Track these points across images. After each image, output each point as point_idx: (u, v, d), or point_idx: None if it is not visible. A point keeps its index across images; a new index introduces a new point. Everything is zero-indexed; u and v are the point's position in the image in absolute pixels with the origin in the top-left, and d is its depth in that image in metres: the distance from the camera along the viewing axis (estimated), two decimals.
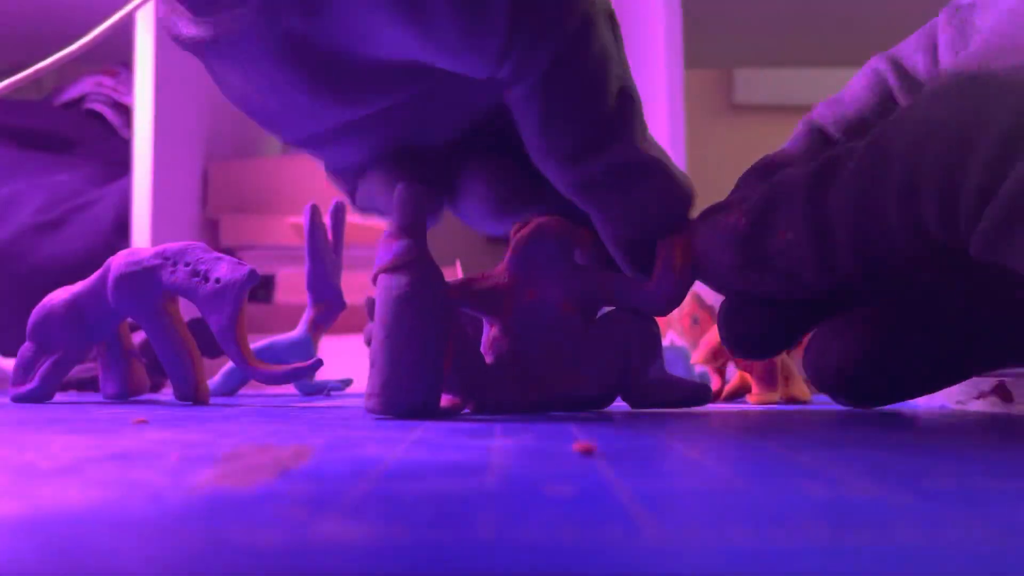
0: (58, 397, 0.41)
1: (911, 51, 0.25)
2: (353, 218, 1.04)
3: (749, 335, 0.25)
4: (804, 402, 0.37)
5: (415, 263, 0.23)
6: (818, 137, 0.27)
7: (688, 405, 0.27)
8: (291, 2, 0.21)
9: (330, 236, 0.46)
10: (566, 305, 0.25)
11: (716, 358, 0.38)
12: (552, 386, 0.25)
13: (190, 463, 0.13)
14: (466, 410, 0.26)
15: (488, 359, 0.25)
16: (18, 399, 0.36)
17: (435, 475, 0.12)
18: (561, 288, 0.25)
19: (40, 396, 0.36)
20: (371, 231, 1.03)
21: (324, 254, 0.45)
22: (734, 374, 0.41)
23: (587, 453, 0.14)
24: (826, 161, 0.21)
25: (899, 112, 0.20)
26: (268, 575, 0.07)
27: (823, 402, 0.37)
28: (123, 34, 0.78)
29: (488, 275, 0.26)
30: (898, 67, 0.26)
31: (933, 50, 0.25)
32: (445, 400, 0.25)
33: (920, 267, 0.21)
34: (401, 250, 0.23)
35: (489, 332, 0.26)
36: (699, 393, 0.27)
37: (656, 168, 0.24)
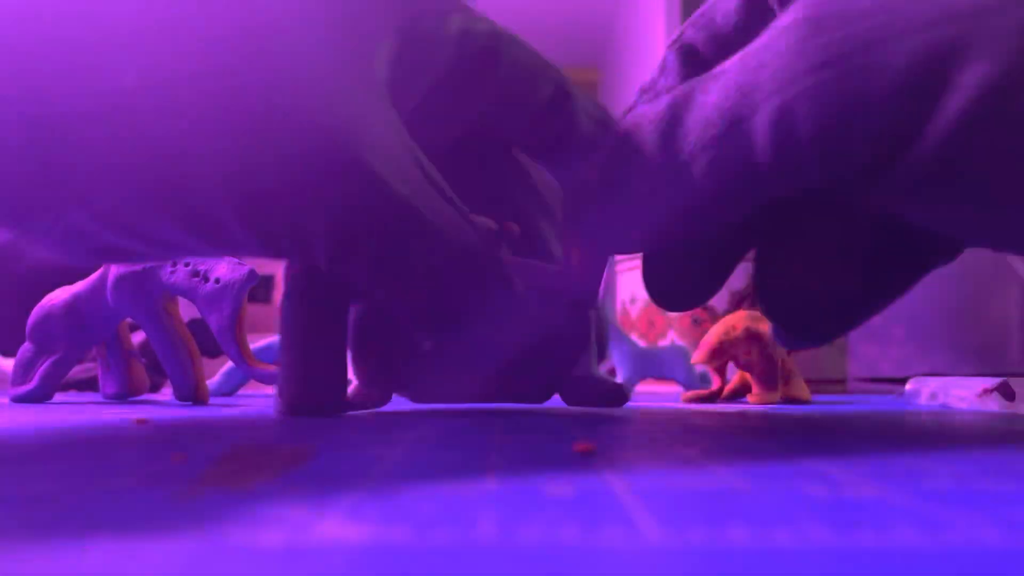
0: (57, 397, 0.41)
1: None
2: None
3: (675, 290, 0.23)
4: (804, 402, 0.37)
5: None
6: (689, 60, 0.24)
7: (604, 405, 0.26)
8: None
9: None
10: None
11: (716, 358, 0.38)
12: (489, 379, 0.25)
13: (190, 463, 0.13)
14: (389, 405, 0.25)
15: (426, 350, 0.25)
16: (18, 399, 0.36)
17: (435, 475, 0.12)
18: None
19: (40, 396, 0.36)
20: None
21: None
22: (734, 374, 0.41)
23: (587, 453, 0.14)
24: (680, 95, 0.19)
25: (765, 42, 0.17)
26: (268, 575, 0.07)
27: (823, 402, 0.37)
28: None
29: None
30: None
31: None
32: (370, 394, 0.25)
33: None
34: None
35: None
36: (616, 394, 0.26)
37: None
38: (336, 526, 0.08)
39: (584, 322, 0.25)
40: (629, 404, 0.33)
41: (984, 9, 0.15)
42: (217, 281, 0.33)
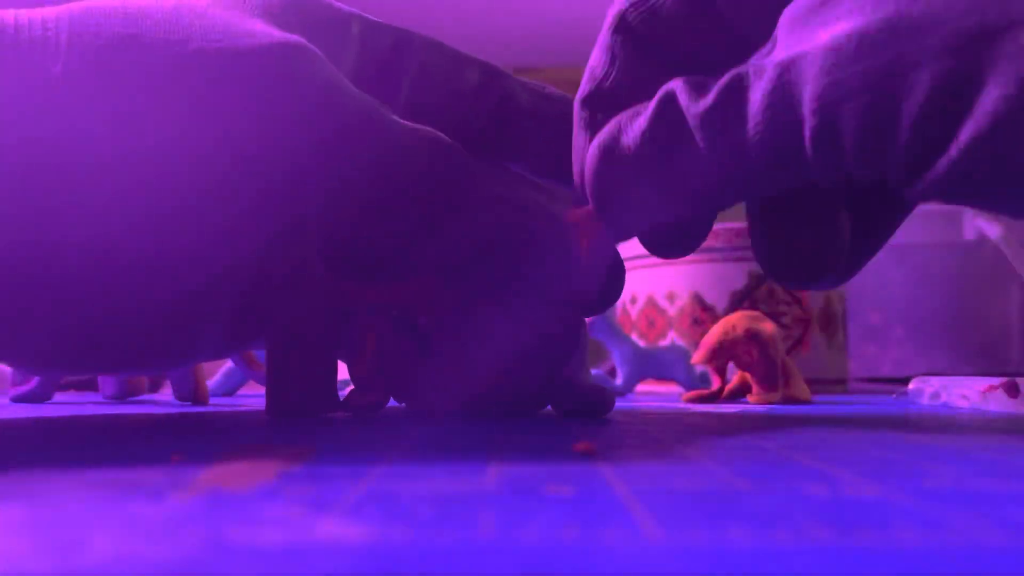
0: (57, 397, 0.41)
1: None
2: None
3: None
4: (804, 402, 0.37)
5: None
6: (640, 46, 0.23)
7: (589, 413, 0.25)
8: None
9: None
10: (487, 305, 0.24)
11: (716, 358, 0.38)
12: (482, 388, 0.25)
13: (190, 463, 0.13)
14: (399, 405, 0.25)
15: (423, 359, 0.25)
16: (17, 399, 0.36)
17: (435, 475, 0.12)
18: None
19: (39, 396, 0.36)
20: None
21: None
22: (734, 374, 0.41)
23: (587, 453, 0.14)
24: (728, 84, 0.19)
25: (808, 46, 0.18)
26: (268, 575, 0.07)
27: (823, 402, 0.37)
28: None
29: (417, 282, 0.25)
30: None
31: None
32: (366, 397, 0.25)
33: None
34: None
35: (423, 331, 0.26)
36: (603, 401, 0.25)
37: None
38: (336, 526, 0.08)
39: (577, 325, 0.25)
40: (629, 404, 0.33)
41: (991, 33, 0.15)
42: None
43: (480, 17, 1.08)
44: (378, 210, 0.23)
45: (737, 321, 0.37)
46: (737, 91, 0.19)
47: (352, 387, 0.25)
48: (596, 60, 0.24)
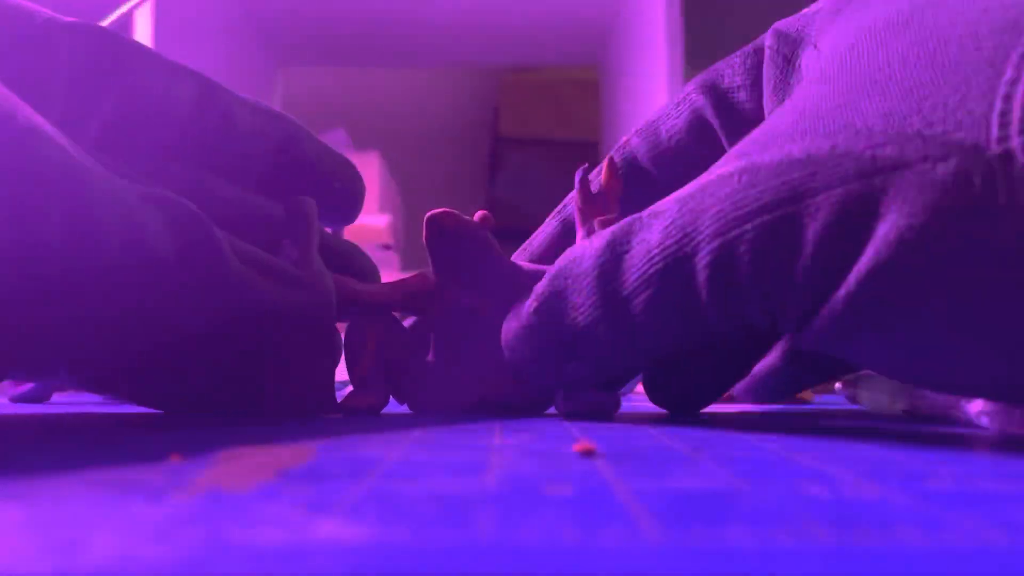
0: (56, 397, 0.41)
1: (735, 85, 0.24)
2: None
3: (682, 397, 0.24)
4: (804, 402, 0.37)
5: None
6: (629, 167, 0.25)
7: (596, 414, 0.25)
8: None
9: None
10: (487, 306, 0.24)
11: None
12: (484, 389, 0.25)
13: (190, 463, 0.13)
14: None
15: (424, 360, 0.25)
16: (16, 399, 0.36)
17: (435, 475, 0.12)
18: (486, 288, 0.24)
19: (39, 396, 0.36)
20: (372, 231, 1.03)
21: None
22: None
23: (587, 453, 0.14)
24: (620, 232, 0.19)
25: (704, 184, 0.18)
26: (268, 575, 0.07)
27: (823, 402, 0.37)
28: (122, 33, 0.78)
29: (419, 275, 0.25)
30: (720, 101, 0.24)
31: (758, 87, 0.23)
32: (366, 399, 0.24)
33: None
34: None
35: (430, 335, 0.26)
36: (610, 402, 0.25)
37: None
38: (336, 526, 0.08)
39: None
40: (629, 405, 0.33)
41: (899, 165, 0.15)
42: None
43: (480, 17, 1.08)
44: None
45: None
46: (630, 230, 0.19)
47: (351, 388, 0.25)
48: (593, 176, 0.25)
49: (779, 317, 0.18)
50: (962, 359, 0.16)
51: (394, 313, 0.26)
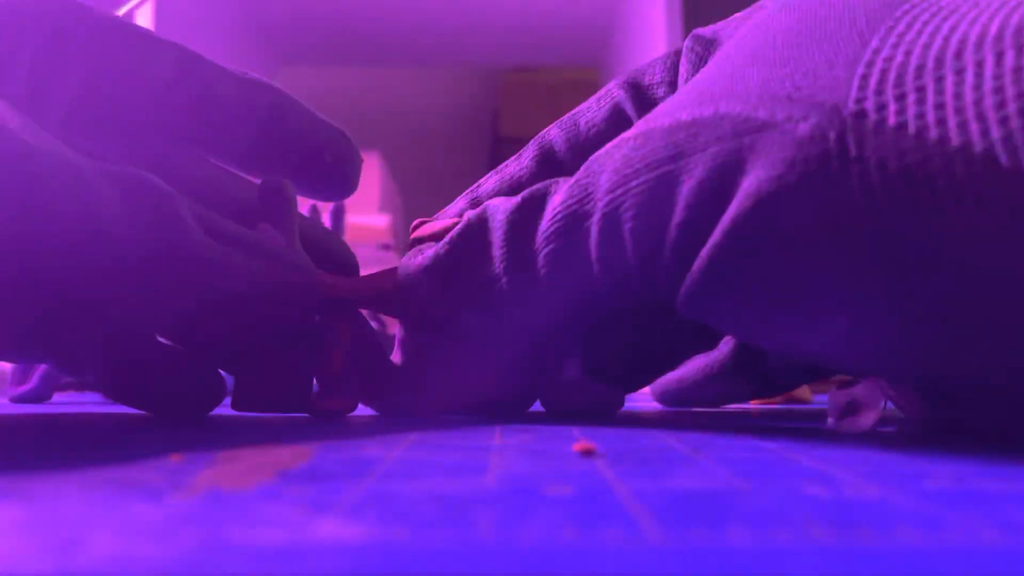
0: (56, 397, 0.41)
1: (655, 82, 0.25)
2: (354, 218, 1.04)
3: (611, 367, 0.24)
4: (804, 402, 0.37)
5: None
6: (546, 158, 0.26)
7: (600, 411, 0.25)
8: None
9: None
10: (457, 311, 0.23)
11: None
12: (460, 389, 0.24)
13: (190, 463, 0.13)
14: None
15: (396, 360, 0.24)
16: (16, 399, 0.36)
17: (435, 475, 0.12)
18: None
19: (39, 396, 0.36)
20: (372, 231, 1.03)
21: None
22: None
23: (587, 453, 0.14)
24: (531, 195, 0.21)
25: (608, 148, 0.19)
26: (268, 575, 0.07)
27: (823, 402, 0.37)
28: None
29: (390, 271, 0.24)
30: (640, 96, 0.25)
31: (676, 85, 0.24)
32: (337, 401, 0.23)
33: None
34: None
35: (398, 333, 0.24)
36: (612, 400, 0.25)
37: None
38: (336, 526, 0.08)
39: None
40: (629, 405, 0.33)
41: (767, 125, 0.16)
42: None
43: (480, 17, 1.08)
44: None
45: None
46: (545, 190, 0.21)
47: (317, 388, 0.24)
48: (514, 167, 0.26)
49: (657, 280, 0.18)
50: (816, 321, 0.16)
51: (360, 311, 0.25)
